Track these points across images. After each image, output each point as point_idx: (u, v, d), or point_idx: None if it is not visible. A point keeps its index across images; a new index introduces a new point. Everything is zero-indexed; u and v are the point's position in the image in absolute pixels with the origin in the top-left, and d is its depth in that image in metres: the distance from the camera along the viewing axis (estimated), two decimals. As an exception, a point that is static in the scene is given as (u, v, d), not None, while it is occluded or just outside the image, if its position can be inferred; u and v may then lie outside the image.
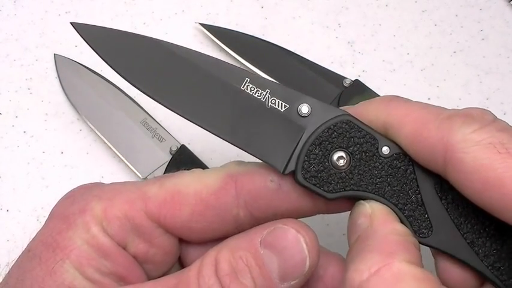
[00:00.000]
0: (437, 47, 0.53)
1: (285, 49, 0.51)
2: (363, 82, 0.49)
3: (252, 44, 0.51)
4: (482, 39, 0.53)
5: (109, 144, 0.47)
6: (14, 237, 0.45)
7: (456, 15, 0.54)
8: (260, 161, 0.30)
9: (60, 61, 0.51)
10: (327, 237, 0.45)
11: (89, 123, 0.48)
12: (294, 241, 0.29)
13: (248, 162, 0.31)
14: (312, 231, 0.29)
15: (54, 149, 0.48)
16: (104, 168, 0.47)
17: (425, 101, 0.50)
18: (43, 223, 0.46)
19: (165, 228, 0.31)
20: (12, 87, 0.51)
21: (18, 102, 0.50)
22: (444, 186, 0.29)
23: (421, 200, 0.29)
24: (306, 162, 0.29)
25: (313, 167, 0.29)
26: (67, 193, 0.33)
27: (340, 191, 0.29)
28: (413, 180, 0.30)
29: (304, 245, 0.29)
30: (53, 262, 0.30)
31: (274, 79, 0.49)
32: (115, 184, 0.33)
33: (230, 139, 0.30)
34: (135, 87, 0.30)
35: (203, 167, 0.45)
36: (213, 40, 0.52)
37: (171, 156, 0.45)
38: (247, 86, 0.30)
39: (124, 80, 0.31)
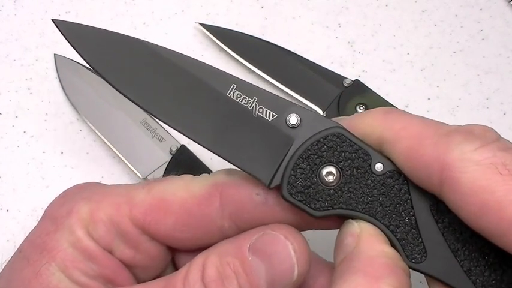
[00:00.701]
0: (437, 47, 0.53)
1: (285, 49, 0.51)
2: (363, 82, 0.49)
3: (252, 44, 0.51)
4: (482, 39, 0.53)
5: (109, 144, 0.47)
6: (14, 237, 0.45)
7: (456, 15, 0.54)
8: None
9: (60, 61, 0.51)
10: (321, 242, 0.45)
11: (89, 123, 0.48)
12: (282, 248, 0.28)
13: (239, 171, 0.30)
14: (302, 237, 0.28)
15: (54, 149, 0.48)
16: (104, 168, 0.47)
17: (425, 101, 0.50)
18: (43, 223, 0.46)
19: (150, 236, 0.30)
20: (12, 87, 0.51)
21: (18, 102, 0.50)
22: (441, 208, 0.27)
23: (415, 222, 0.27)
24: (292, 177, 0.27)
25: (300, 182, 0.27)
26: (61, 192, 0.33)
27: (327, 209, 0.28)
28: (408, 200, 0.28)
29: (293, 252, 0.27)
30: (40, 264, 0.29)
31: (274, 79, 0.49)
32: (107, 186, 0.32)
33: (213, 148, 0.28)
34: (113, 87, 0.29)
35: (203, 167, 0.45)
36: (213, 40, 0.52)
37: (171, 156, 0.45)
38: (233, 93, 0.29)
39: (103, 79, 0.29)
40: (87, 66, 0.49)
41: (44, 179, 0.47)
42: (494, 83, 0.51)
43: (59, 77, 0.50)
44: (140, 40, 0.30)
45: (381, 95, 0.49)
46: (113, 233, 0.30)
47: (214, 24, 0.53)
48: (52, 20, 0.31)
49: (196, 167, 0.45)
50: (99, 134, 0.47)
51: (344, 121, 0.29)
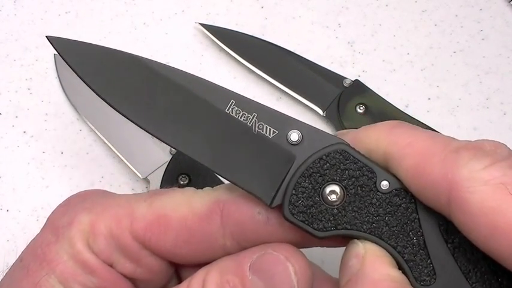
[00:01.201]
0: (437, 47, 0.53)
1: (285, 49, 0.51)
2: (363, 82, 0.49)
3: (252, 44, 0.51)
4: (482, 39, 0.53)
5: (109, 144, 0.47)
6: (14, 237, 0.45)
7: (456, 15, 0.54)
8: None
9: (60, 61, 0.51)
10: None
11: (89, 123, 0.48)
12: (282, 269, 0.27)
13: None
14: (303, 258, 0.27)
15: (54, 149, 0.48)
16: (104, 168, 0.47)
17: (425, 101, 0.50)
18: (43, 223, 0.46)
19: (151, 251, 0.29)
20: (12, 87, 0.51)
21: (18, 102, 0.50)
22: (451, 227, 0.26)
23: (424, 242, 0.26)
24: (294, 196, 0.26)
25: (302, 201, 0.26)
26: (64, 200, 0.32)
27: (331, 230, 0.26)
28: (415, 220, 0.26)
29: (293, 274, 0.27)
30: (39, 276, 0.29)
31: (274, 79, 0.49)
32: (109, 196, 0.31)
33: (212, 166, 0.28)
34: (110, 105, 0.29)
35: (203, 167, 0.45)
36: (213, 40, 0.52)
37: (171, 156, 0.45)
38: (232, 109, 0.28)
39: (99, 97, 0.29)
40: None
41: (44, 179, 0.47)
42: (494, 83, 0.51)
43: (59, 77, 0.50)
44: (136, 56, 0.29)
45: (381, 95, 0.49)
46: (113, 246, 0.29)
47: (214, 24, 0.53)
48: (46, 36, 0.30)
49: (196, 167, 0.45)
50: (99, 134, 0.47)
51: (348, 135, 0.28)
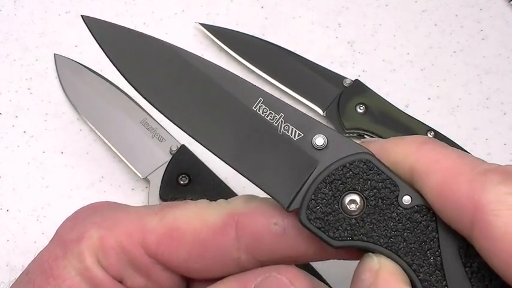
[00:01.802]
0: (437, 47, 0.53)
1: (285, 49, 0.51)
2: (363, 82, 0.49)
3: (252, 44, 0.51)
4: (482, 39, 0.53)
5: (109, 144, 0.47)
6: (14, 237, 0.45)
7: (456, 15, 0.54)
8: (267, 198, 0.28)
9: (60, 61, 0.51)
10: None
11: (89, 123, 0.48)
12: None
13: (257, 198, 0.28)
14: (308, 281, 0.27)
15: (54, 149, 0.48)
16: (104, 168, 0.47)
17: (425, 101, 0.50)
18: (43, 223, 0.46)
19: (163, 265, 0.29)
20: (12, 87, 0.51)
21: (18, 102, 0.50)
22: (471, 251, 0.25)
23: (441, 263, 0.25)
24: (313, 201, 0.26)
25: (320, 207, 0.26)
26: (73, 213, 0.31)
27: (346, 239, 0.26)
28: (435, 239, 0.25)
29: None
30: None
31: (274, 79, 0.50)
32: (119, 209, 0.31)
33: (233, 164, 0.27)
34: (136, 90, 0.28)
35: (203, 167, 0.45)
36: (213, 40, 0.52)
37: (171, 156, 0.45)
38: (259, 107, 0.28)
39: (126, 81, 0.29)
40: (88, 66, 0.50)
41: (44, 179, 0.47)
42: (494, 83, 0.51)
43: (59, 77, 0.50)
44: (169, 44, 0.29)
45: (381, 95, 0.49)
46: (123, 261, 0.29)
47: (214, 24, 0.53)
48: (81, 16, 0.30)
49: (196, 167, 0.45)
50: (99, 134, 0.47)
51: (375, 144, 0.28)
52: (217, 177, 0.45)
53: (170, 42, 0.29)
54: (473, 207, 0.23)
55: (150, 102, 0.28)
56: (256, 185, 0.27)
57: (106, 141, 0.47)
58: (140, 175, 0.45)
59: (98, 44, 0.29)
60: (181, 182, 0.44)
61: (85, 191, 0.46)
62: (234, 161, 0.27)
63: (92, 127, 0.47)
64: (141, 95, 0.28)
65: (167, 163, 0.45)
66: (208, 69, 0.28)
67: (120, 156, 0.46)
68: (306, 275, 0.27)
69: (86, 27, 0.29)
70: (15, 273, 0.31)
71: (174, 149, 0.45)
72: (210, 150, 0.28)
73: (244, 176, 0.27)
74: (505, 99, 0.50)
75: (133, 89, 0.29)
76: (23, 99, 0.50)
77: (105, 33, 0.29)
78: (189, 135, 0.28)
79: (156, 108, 0.28)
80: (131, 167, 0.46)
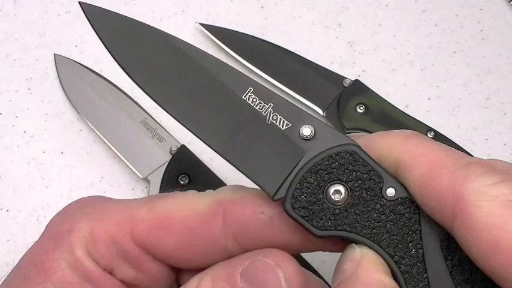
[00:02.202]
0: (437, 47, 0.53)
1: (285, 49, 0.51)
2: (363, 82, 0.49)
3: (252, 44, 0.51)
4: (482, 39, 0.53)
5: (109, 144, 0.47)
6: (14, 237, 0.45)
7: (456, 15, 0.54)
8: (255, 188, 0.28)
9: (60, 61, 0.51)
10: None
11: (89, 123, 0.48)
12: (272, 276, 0.26)
13: (244, 188, 0.29)
14: (294, 265, 0.27)
15: (54, 149, 0.48)
16: (104, 168, 0.47)
17: (425, 101, 0.50)
18: (43, 223, 0.46)
19: (153, 255, 0.29)
20: (12, 87, 0.51)
21: (18, 102, 0.50)
22: (452, 244, 0.25)
23: (422, 256, 0.26)
24: (298, 190, 0.26)
25: (305, 197, 0.26)
26: (64, 207, 0.32)
27: (330, 229, 0.26)
28: (417, 231, 0.26)
29: (283, 281, 0.26)
30: (36, 284, 0.28)
31: (274, 79, 0.50)
32: (109, 202, 0.31)
33: (220, 151, 0.28)
34: (128, 75, 0.29)
35: (203, 167, 0.45)
36: (213, 40, 0.52)
37: (171, 156, 0.45)
38: (249, 96, 0.28)
39: (117, 63, 0.29)
40: (88, 66, 0.50)
41: (44, 179, 0.47)
42: (494, 83, 0.51)
43: (59, 77, 0.50)
44: (162, 32, 0.29)
45: (381, 95, 0.49)
46: (113, 253, 0.29)
47: (214, 24, 0.53)
48: (79, 2, 0.30)
49: (196, 167, 0.45)
50: (99, 134, 0.47)
51: (362, 138, 0.28)
52: (217, 177, 0.45)
53: (164, 31, 0.30)
54: (455, 198, 0.24)
55: (140, 86, 0.29)
56: (243, 173, 0.27)
57: (106, 142, 0.47)
58: (140, 175, 0.45)
59: (95, 31, 0.29)
60: (181, 182, 0.44)
61: (85, 191, 0.46)
62: (221, 148, 0.28)
63: (92, 127, 0.47)
64: (131, 78, 0.29)
65: (167, 163, 0.45)
66: (199, 57, 0.29)
67: (120, 156, 0.46)
68: (292, 259, 0.27)
69: (83, 14, 0.30)
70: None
71: (174, 149, 0.45)
72: (197, 137, 0.28)
73: (232, 164, 0.27)
74: (505, 99, 0.50)
75: (124, 73, 0.29)
76: (23, 99, 0.50)
77: (101, 19, 0.29)
78: (178, 120, 0.28)
79: (146, 93, 0.28)
80: (131, 167, 0.46)
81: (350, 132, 0.47)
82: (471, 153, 0.47)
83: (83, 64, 0.50)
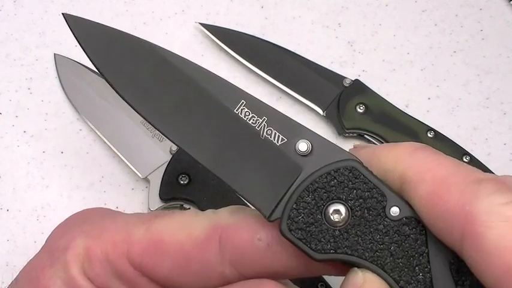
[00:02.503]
0: (437, 47, 0.53)
1: (285, 49, 0.51)
2: (363, 82, 0.49)
3: (252, 44, 0.51)
4: (482, 39, 0.53)
5: (109, 144, 0.47)
6: (14, 237, 0.45)
7: (456, 15, 0.54)
8: (254, 209, 0.26)
9: (60, 61, 0.51)
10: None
11: (89, 123, 0.48)
12: None
13: (244, 210, 0.27)
14: None
15: (54, 148, 0.48)
16: (104, 168, 0.47)
17: (425, 101, 0.50)
18: (43, 223, 0.46)
19: (148, 277, 0.28)
20: (12, 87, 0.51)
21: (18, 102, 0.50)
22: (463, 267, 0.23)
23: (430, 280, 0.24)
24: (294, 211, 0.24)
25: (302, 217, 0.24)
26: (64, 220, 0.31)
27: (329, 252, 0.24)
28: (424, 254, 0.24)
29: None
30: None
31: (274, 79, 0.49)
32: (108, 217, 0.30)
33: (212, 168, 0.26)
34: (114, 88, 0.28)
35: (203, 167, 0.45)
36: (213, 40, 0.52)
37: (171, 156, 0.45)
38: (241, 110, 0.26)
39: (104, 79, 0.28)
40: (88, 66, 0.50)
41: (44, 179, 0.47)
42: (494, 83, 0.51)
43: (59, 77, 0.50)
44: (149, 43, 0.28)
45: (381, 95, 0.49)
46: (109, 272, 0.28)
47: (214, 24, 0.53)
48: (62, 14, 0.29)
49: (196, 167, 0.45)
50: (99, 134, 0.47)
51: (366, 150, 0.27)
52: (217, 177, 0.45)
53: (151, 42, 0.29)
54: (464, 218, 0.22)
55: (127, 102, 0.27)
56: (237, 192, 0.26)
57: (106, 141, 0.47)
58: (140, 175, 0.45)
59: (78, 42, 0.28)
60: (181, 182, 0.44)
61: (85, 191, 0.46)
62: (212, 165, 0.26)
63: (92, 127, 0.47)
64: (116, 91, 0.27)
65: (167, 163, 0.45)
66: (189, 69, 0.27)
67: (120, 156, 0.46)
68: None
69: (67, 25, 0.29)
70: (15, 273, 0.31)
71: (174, 149, 0.45)
72: (188, 153, 0.27)
73: (224, 182, 0.26)
74: (505, 99, 0.50)
75: (112, 88, 0.28)
76: (23, 99, 0.50)
77: (85, 31, 0.29)
78: (166, 136, 0.27)
79: (133, 108, 0.27)
80: (131, 167, 0.46)
81: (350, 132, 0.47)
82: (471, 153, 0.47)
83: (83, 64, 0.50)
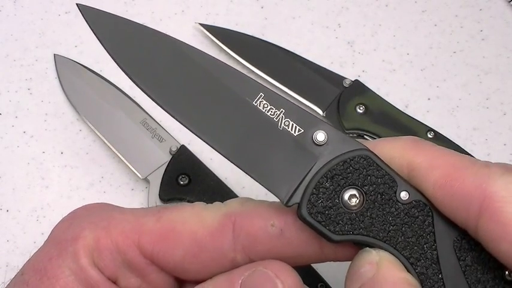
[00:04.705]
0: (437, 47, 0.53)
1: (285, 49, 0.51)
2: (363, 82, 0.49)
3: (252, 44, 0.51)
4: (482, 39, 0.53)
5: (109, 144, 0.47)
6: (14, 237, 0.45)
7: (456, 15, 0.54)
8: (263, 200, 0.28)
9: (60, 61, 0.51)
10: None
11: (89, 123, 0.48)
12: (271, 287, 0.27)
13: (253, 200, 0.29)
14: (294, 276, 0.27)
15: (54, 149, 0.48)
16: (104, 168, 0.47)
17: (425, 101, 0.50)
18: (43, 223, 0.46)
19: (158, 266, 0.29)
20: (12, 87, 0.51)
21: (18, 102, 0.50)
22: (464, 245, 0.26)
23: (437, 257, 0.26)
24: (314, 196, 0.26)
25: (321, 202, 0.26)
26: (69, 213, 0.31)
27: (347, 234, 0.26)
28: (431, 233, 0.26)
29: None
30: None
31: (274, 79, 0.50)
32: (115, 210, 0.31)
33: (232, 158, 0.27)
34: (135, 83, 0.28)
35: (203, 167, 0.45)
36: (212, 40, 0.52)
37: (171, 157, 0.45)
38: (260, 102, 0.28)
39: (125, 74, 0.28)
40: (88, 66, 0.50)
41: (44, 179, 0.47)
42: (494, 83, 0.51)
43: (59, 77, 0.50)
44: (169, 37, 0.29)
45: (381, 95, 0.49)
46: (119, 262, 0.29)
47: (214, 24, 0.53)
48: (76, 4, 0.30)
49: (196, 167, 0.45)
50: (99, 134, 0.47)
51: (372, 143, 0.28)
52: (217, 177, 0.45)
53: (170, 35, 0.29)
54: (482, 195, 0.24)
55: (148, 95, 0.28)
56: (255, 180, 0.27)
57: (106, 142, 0.47)
58: (140, 175, 0.45)
59: (95, 35, 0.29)
60: (181, 182, 0.44)
61: (85, 191, 0.46)
62: (232, 155, 0.27)
63: (92, 127, 0.47)
64: (137, 85, 0.28)
65: (167, 163, 0.45)
66: (209, 64, 0.28)
67: (120, 156, 0.46)
68: (291, 270, 0.27)
69: (82, 17, 0.29)
70: (15, 274, 0.31)
71: (174, 149, 0.45)
72: (208, 144, 0.28)
73: (243, 170, 0.27)
74: (505, 99, 0.50)
75: (133, 83, 0.28)
76: (23, 99, 0.50)
77: (103, 24, 0.29)
78: (188, 128, 0.28)
79: (154, 100, 0.28)
80: (131, 167, 0.46)
81: (350, 133, 0.47)
82: (471, 153, 0.47)
83: (83, 64, 0.50)
